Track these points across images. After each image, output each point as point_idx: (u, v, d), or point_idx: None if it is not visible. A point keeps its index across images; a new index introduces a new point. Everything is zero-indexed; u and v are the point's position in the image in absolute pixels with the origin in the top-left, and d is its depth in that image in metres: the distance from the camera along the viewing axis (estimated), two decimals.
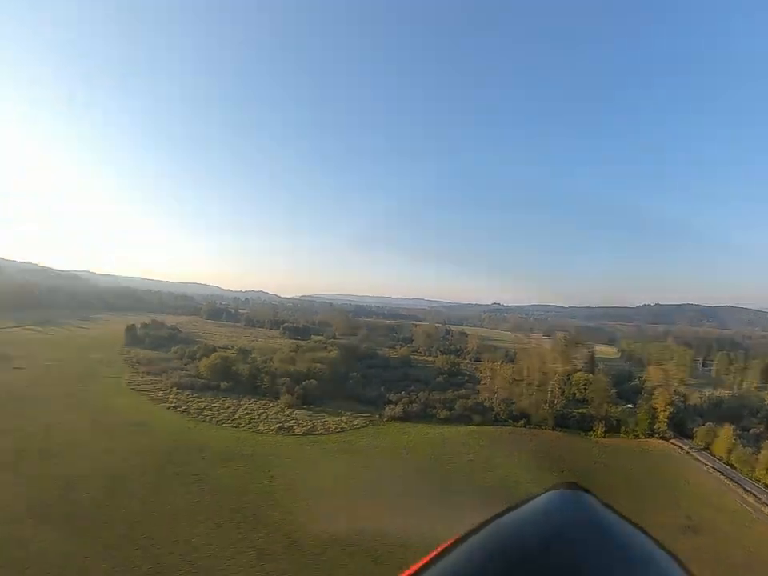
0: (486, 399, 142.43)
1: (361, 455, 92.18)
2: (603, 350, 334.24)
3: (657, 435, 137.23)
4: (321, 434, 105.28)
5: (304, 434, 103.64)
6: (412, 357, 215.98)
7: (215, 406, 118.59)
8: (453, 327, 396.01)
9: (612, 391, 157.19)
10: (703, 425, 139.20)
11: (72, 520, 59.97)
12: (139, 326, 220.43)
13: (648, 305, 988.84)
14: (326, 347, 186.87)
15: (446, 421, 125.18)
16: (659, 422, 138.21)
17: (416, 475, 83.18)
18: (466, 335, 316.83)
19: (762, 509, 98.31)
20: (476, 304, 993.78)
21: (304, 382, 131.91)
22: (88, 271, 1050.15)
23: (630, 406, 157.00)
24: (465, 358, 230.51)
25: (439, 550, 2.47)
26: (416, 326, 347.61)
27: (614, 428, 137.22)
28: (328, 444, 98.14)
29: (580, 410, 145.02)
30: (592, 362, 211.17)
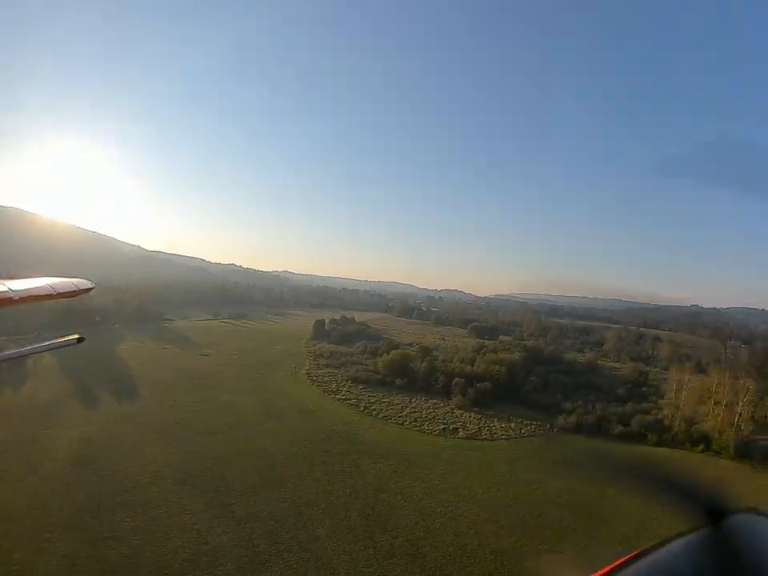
0: (666, 416, 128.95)
1: (517, 467, 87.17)
2: None
3: None
4: (484, 439, 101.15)
5: (467, 438, 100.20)
6: (599, 362, 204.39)
7: (385, 402, 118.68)
8: (648, 330, 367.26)
9: None
10: None
11: (210, 490, 63.51)
12: (328, 320, 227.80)
13: None
14: (509, 348, 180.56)
15: (619, 437, 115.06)
16: None
17: (554, 501, 75.64)
18: (660, 341, 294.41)
19: None
20: (675, 306, 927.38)
21: (478, 384, 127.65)
22: (288, 271, 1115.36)
23: None
24: (655, 367, 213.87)
25: (624, 558, 2.59)
26: (608, 328, 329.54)
27: None
28: (489, 451, 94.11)
29: None
30: None
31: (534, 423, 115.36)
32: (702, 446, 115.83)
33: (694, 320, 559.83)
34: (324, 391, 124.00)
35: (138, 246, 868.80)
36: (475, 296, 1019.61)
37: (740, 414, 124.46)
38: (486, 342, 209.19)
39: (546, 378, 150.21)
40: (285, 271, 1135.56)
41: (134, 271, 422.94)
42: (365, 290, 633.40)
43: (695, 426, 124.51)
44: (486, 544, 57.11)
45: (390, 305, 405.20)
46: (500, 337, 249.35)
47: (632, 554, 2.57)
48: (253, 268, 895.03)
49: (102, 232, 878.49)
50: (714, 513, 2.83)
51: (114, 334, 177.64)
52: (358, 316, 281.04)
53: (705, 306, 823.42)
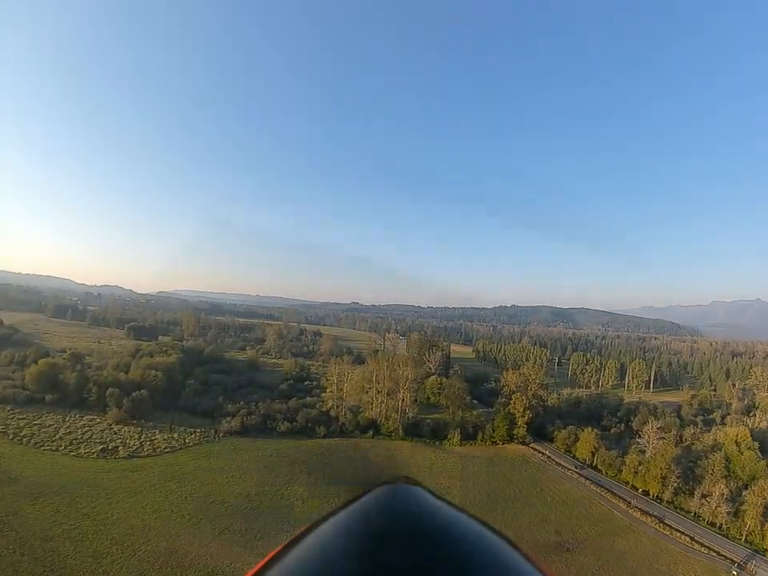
0: (332, 408, 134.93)
1: (186, 482, 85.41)
2: (459, 350, 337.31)
3: (516, 441, 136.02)
4: (148, 455, 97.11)
5: (129, 457, 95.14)
6: (261, 360, 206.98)
7: (36, 424, 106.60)
8: (309, 326, 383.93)
9: (467, 397, 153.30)
10: (564, 427, 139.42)
11: None
12: None
13: (504, 306, 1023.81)
14: (166, 351, 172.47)
15: (288, 434, 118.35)
16: (518, 427, 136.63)
17: (240, 508, 78.21)
18: (321, 335, 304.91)
19: (633, 513, 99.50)
20: (335, 303, 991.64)
21: (134, 393, 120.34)
22: None
23: (488, 409, 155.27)
24: (317, 360, 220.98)
25: (274, 552, 2.57)
26: (269, 325, 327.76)
27: (470, 435, 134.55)
28: (154, 469, 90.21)
29: (434, 416, 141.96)
30: (447, 364, 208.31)
31: (198, 430, 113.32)
32: (371, 432, 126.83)
33: (353, 315, 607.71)
34: None
35: None
36: (136, 292, 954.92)
37: (403, 400, 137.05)
38: (144, 344, 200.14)
39: (206, 380, 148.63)
40: None
41: None
42: (17, 285, 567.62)
43: (361, 414, 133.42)
44: None
45: (43, 303, 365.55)
46: (159, 338, 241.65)
47: (276, 550, 2.57)
48: None
49: None
50: (375, 483, 3.21)
51: None
52: (7, 317, 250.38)
53: (364, 303, 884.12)
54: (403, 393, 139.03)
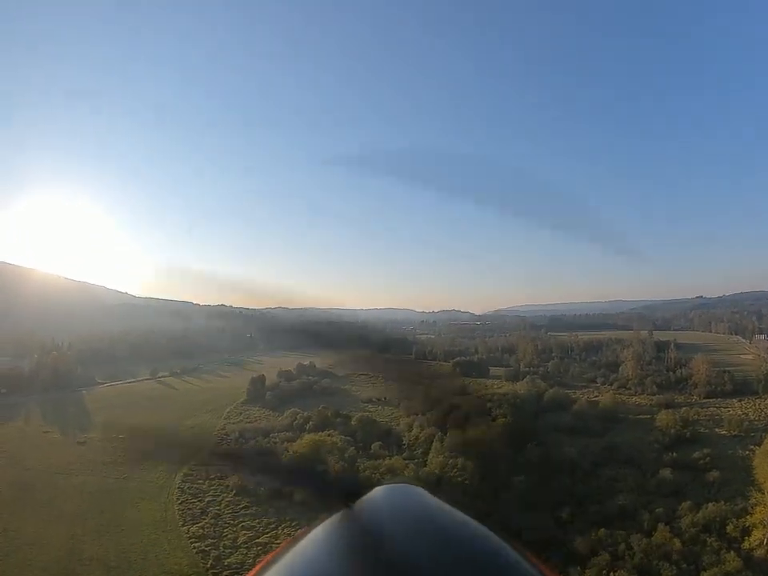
0: (753, 528, 64.12)
1: None
2: None
3: None
4: None
5: None
6: (619, 398, 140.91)
7: (251, 533, 71.48)
8: (661, 335, 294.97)
9: None
10: None
11: None
12: (278, 372, 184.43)
13: None
14: (486, 416, 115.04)
15: None
16: None
17: None
18: (687, 349, 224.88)
19: None
20: (679, 299, 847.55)
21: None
22: (280, 307, 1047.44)
23: None
24: (692, 395, 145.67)
25: (276, 552, 2.75)
26: (623, 345, 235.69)
27: None
28: None
29: None
30: None
31: None
32: None
33: (705, 314, 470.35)
34: (183, 515, 79.16)
35: (126, 293, 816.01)
36: (473, 314, 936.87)
37: None
38: (467, 383, 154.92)
39: (544, 461, 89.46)
40: (278, 307, 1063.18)
41: (116, 321, 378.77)
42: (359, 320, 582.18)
43: None
44: None
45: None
46: (491, 369, 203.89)
47: (276, 551, 2.70)
48: (246, 306, 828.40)
49: (92, 281, 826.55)
50: (348, 494, 3.20)
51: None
52: (324, 360, 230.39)
53: (710, 296, 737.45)
54: None
